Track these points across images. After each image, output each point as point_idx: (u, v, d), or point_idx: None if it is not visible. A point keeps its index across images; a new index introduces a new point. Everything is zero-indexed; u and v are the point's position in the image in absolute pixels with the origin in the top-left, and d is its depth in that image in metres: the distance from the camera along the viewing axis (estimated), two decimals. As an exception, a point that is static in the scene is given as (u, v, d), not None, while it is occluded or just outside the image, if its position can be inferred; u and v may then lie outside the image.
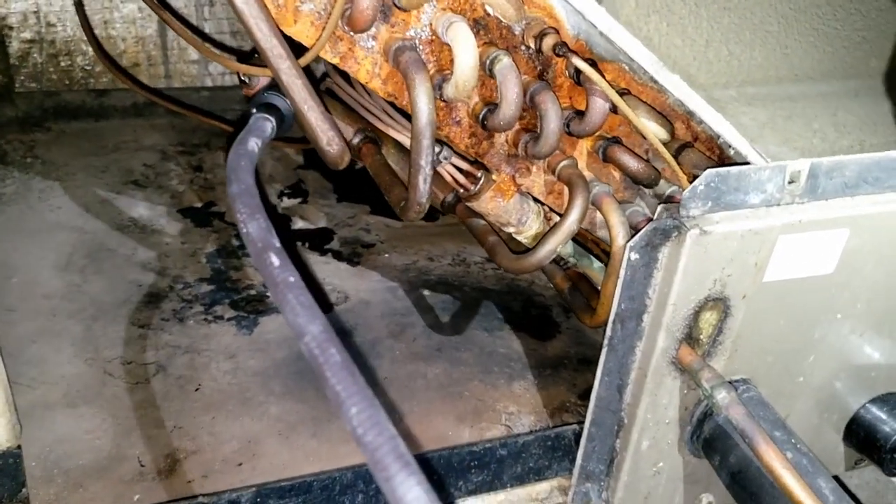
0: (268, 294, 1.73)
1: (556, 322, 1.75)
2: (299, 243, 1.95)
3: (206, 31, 2.40)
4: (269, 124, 0.96)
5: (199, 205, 2.07)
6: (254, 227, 0.75)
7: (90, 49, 2.32)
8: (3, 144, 2.19)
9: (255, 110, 0.98)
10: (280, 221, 2.04)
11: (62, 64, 2.32)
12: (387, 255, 1.94)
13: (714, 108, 1.20)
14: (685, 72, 1.52)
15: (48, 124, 2.32)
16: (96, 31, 2.30)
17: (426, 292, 1.80)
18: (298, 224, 2.04)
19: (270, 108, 0.98)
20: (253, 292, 1.73)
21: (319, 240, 1.97)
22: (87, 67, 2.35)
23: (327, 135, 0.92)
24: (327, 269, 1.85)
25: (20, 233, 1.83)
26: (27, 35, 2.26)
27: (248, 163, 0.85)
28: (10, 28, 2.24)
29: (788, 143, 1.71)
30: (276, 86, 1.01)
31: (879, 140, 1.67)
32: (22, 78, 2.30)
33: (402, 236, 2.04)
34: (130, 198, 2.05)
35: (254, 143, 0.90)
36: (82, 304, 1.63)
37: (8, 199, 1.97)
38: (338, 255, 1.92)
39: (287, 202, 2.14)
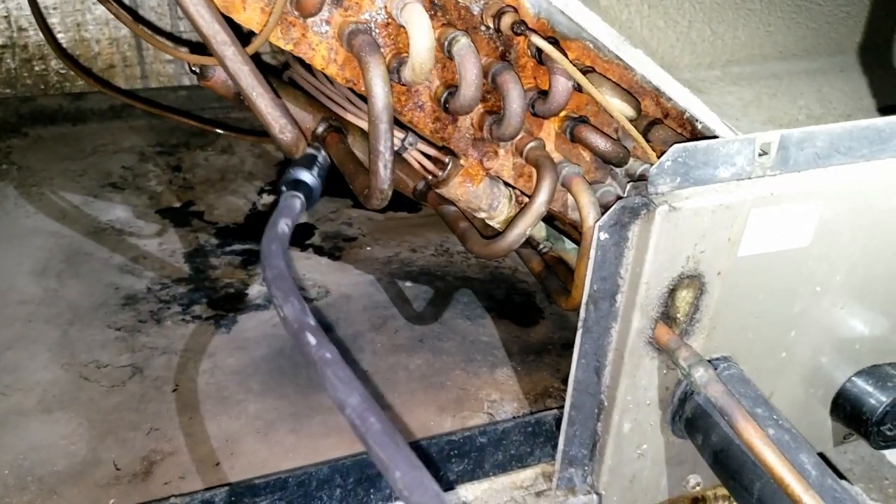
0: (247, 292, 1.72)
1: (540, 308, 1.74)
2: (279, 239, 1.92)
3: (181, 29, 2.38)
4: (298, 201, 1.00)
5: (177, 205, 2.05)
6: (289, 309, 0.82)
7: (64, 53, 2.29)
8: (-22, 152, 2.17)
9: (283, 188, 1.02)
10: (260, 218, 2.02)
11: (36, 68, 2.30)
12: (369, 249, 1.92)
13: (696, 87, 1.19)
14: (669, 54, 1.50)
15: (25, 130, 2.30)
16: (69, 34, 2.27)
17: (408, 284, 1.78)
18: (278, 220, 2.02)
19: (299, 185, 1.02)
20: (231, 290, 1.71)
21: (300, 235, 1.96)
22: (62, 71, 2.33)
23: (279, 122, 0.90)
24: (308, 265, 1.84)
25: (-4, 240, 1.82)
26: (-1, 41, 2.25)
27: (280, 247, 0.92)
28: (-19, 35, 2.22)
29: (774, 120, 1.69)
30: (304, 161, 1.06)
31: (865, 115, 1.65)
32: (-5, 84, 2.28)
33: (385, 229, 2.02)
34: (108, 200, 2.04)
35: (284, 225, 0.95)
36: (59, 309, 1.61)
37: (-17, 207, 1.95)
38: (319, 250, 1.90)
39: (267, 199, 2.12)
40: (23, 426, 1.32)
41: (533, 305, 1.75)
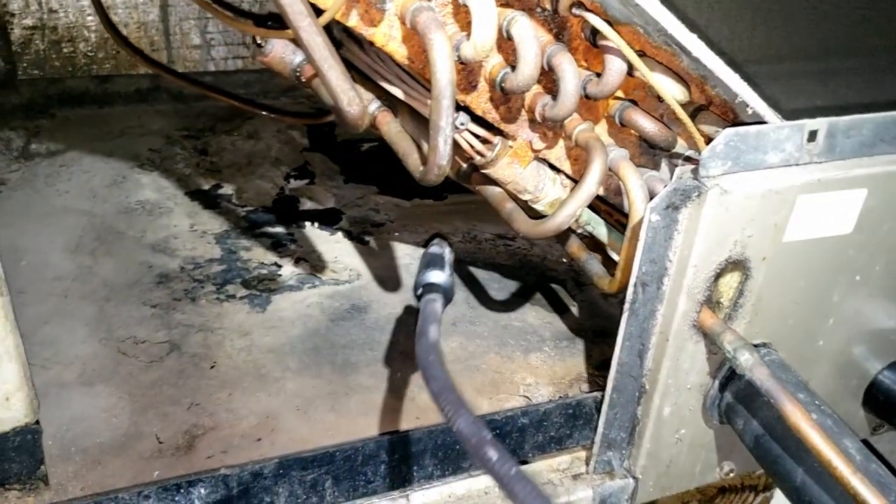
0: (279, 273, 1.72)
1: (570, 295, 1.74)
2: (308, 223, 1.93)
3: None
4: (438, 304, 1.05)
5: (206, 187, 2.06)
6: (463, 422, 0.82)
7: (92, 35, 2.30)
8: (7, 131, 2.17)
9: (419, 292, 1.07)
10: (288, 202, 2.03)
11: (65, 50, 2.31)
12: (397, 234, 1.93)
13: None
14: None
15: (52, 111, 2.30)
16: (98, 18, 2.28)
17: (438, 269, 1.79)
18: (307, 205, 2.03)
19: (433, 287, 1.07)
20: (264, 272, 1.72)
21: (328, 219, 1.96)
22: (90, 53, 2.34)
23: (348, 95, 0.91)
24: (338, 248, 1.84)
25: (28, 217, 1.82)
26: (29, 22, 2.25)
27: (437, 357, 0.93)
28: (12, 15, 2.23)
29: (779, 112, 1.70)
30: (432, 261, 1.12)
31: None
32: (25, 65, 2.28)
33: (412, 215, 2.03)
34: (137, 182, 2.04)
35: (434, 332, 0.98)
36: (94, 286, 1.62)
37: (14, 185, 1.95)
38: (348, 235, 1.91)
39: (294, 183, 2.13)
40: (64, 398, 1.32)
41: (563, 292, 1.76)
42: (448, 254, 1.16)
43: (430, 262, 1.13)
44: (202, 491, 1.09)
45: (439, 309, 1.04)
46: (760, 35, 1.19)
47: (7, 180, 1.97)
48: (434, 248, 1.16)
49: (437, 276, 1.09)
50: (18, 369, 1.04)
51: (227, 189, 2.06)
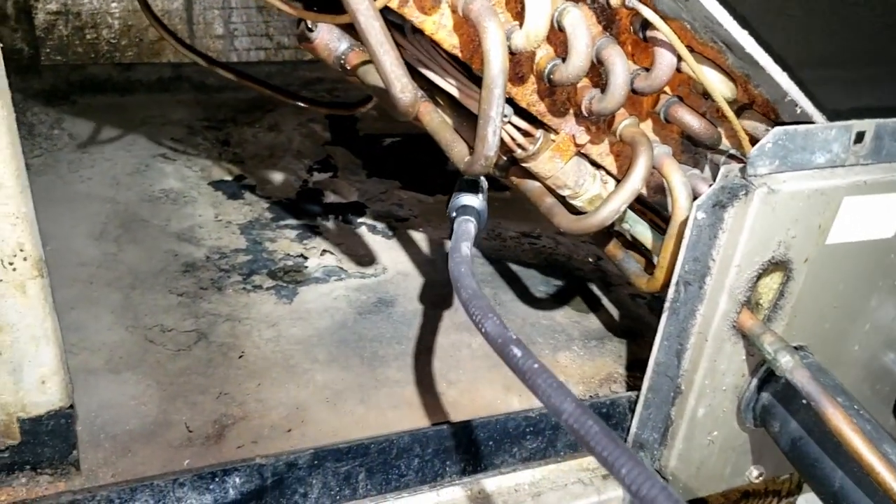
0: (306, 265, 1.71)
1: (597, 295, 1.73)
2: (332, 216, 1.92)
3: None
4: (472, 225, 1.08)
5: (229, 178, 2.05)
6: (490, 325, 0.86)
7: (116, 22, 2.29)
8: (29, 117, 2.16)
9: (454, 214, 1.10)
10: (312, 195, 2.02)
11: (88, 37, 2.30)
12: (421, 229, 1.92)
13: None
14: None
15: (74, 97, 2.29)
16: (122, 4, 2.27)
17: (464, 265, 1.78)
18: (330, 198, 2.02)
19: (468, 209, 1.10)
20: (290, 263, 1.71)
21: (352, 213, 1.95)
22: (113, 41, 2.33)
23: (401, 81, 0.90)
24: (363, 242, 1.83)
25: (52, 202, 1.81)
26: (53, 7, 2.24)
27: (468, 268, 0.97)
28: (37, 0, 2.22)
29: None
30: (468, 186, 1.13)
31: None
32: (48, 50, 2.28)
33: (436, 211, 2.02)
34: (160, 170, 2.03)
35: (466, 248, 1.03)
36: (119, 273, 1.60)
37: (37, 170, 1.94)
38: (372, 229, 1.89)
39: (317, 176, 2.12)
40: (92, 384, 1.31)
41: (590, 292, 1.74)
42: (483, 182, 1.17)
43: (465, 187, 1.14)
44: (237, 480, 1.08)
45: (472, 229, 1.07)
46: (794, 36, 1.18)
47: (30, 166, 1.95)
48: (468, 177, 1.16)
49: (472, 200, 1.11)
50: (56, 353, 1.03)
51: (250, 180, 2.05)
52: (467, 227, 1.08)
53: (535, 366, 0.79)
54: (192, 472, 1.07)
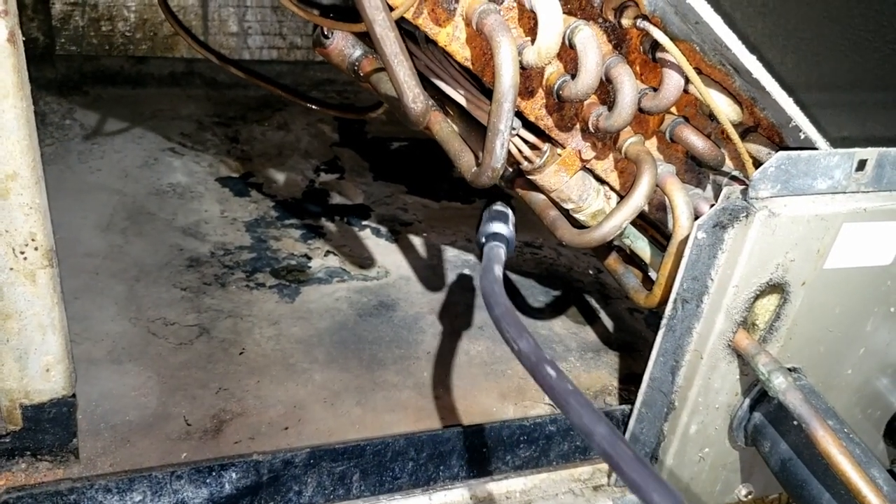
0: (309, 265, 1.73)
1: (595, 308, 1.75)
2: (337, 217, 1.94)
3: None
4: (502, 250, 1.13)
5: (236, 175, 2.07)
6: (524, 344, 0.87)
7: (132, 15, 2.31)
8: (42, 106, 2.18)
9: (483, 240, 1.15)
10: (318, 195, 2.04)
11: (103, 29, 2.32)
12: (425, 235, 1.94)
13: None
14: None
15: (86, 88, 2.32)
16: (138, 0, 2.29)
17: (466, 272, 1.80)
18: (336, 199, 2.04)
19: (498, 236, 1.16)
20: (294, 262, 1.73)
21: (358, 215, 1.97)
22: (128, 34, 2.35)
23: (413, 91, 0.92)
24: (366, 245, 1.85)
25: (61, 192, 1.83)
26: (70, -3, 2.26)
27: (501, 288, 1.00)
28: (54, -11, 2.24)
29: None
30: (497, 216, 1.19)
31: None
32: (63, 41, 2.30)
33: (440, 217, 2.03)
34: (168, 164, 2.05)
35: (498, 269, 1.07)
36: (124, 265, 1.62)
37: (48, 160, 1.95)
38: (376, 232, 1.91)
39: (324, 177, 2.13)
40: (93, 374, 1.33)
41: (588, 304, 1.76)
42: (511, 213, 1.23)
43: (494, 216, 1.19)
44: (233, 475, 1.09)
45: (502, 254, 1.12)
46: (803, 59, 1.20)
47: (41, 155, 1.97)
48: (498, 206, 1.22)
49: (501, 228, 1.16)
50: (61, 342, 1.05)
51: (257, 178, 2.07)
52: (498, 252, 1.12)
53: (569, 387, 0.80)
54: (189, 466, 1.08)
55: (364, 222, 1.95)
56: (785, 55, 1.16)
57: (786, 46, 1.15)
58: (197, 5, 2.37)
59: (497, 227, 1.17)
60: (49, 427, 1.09)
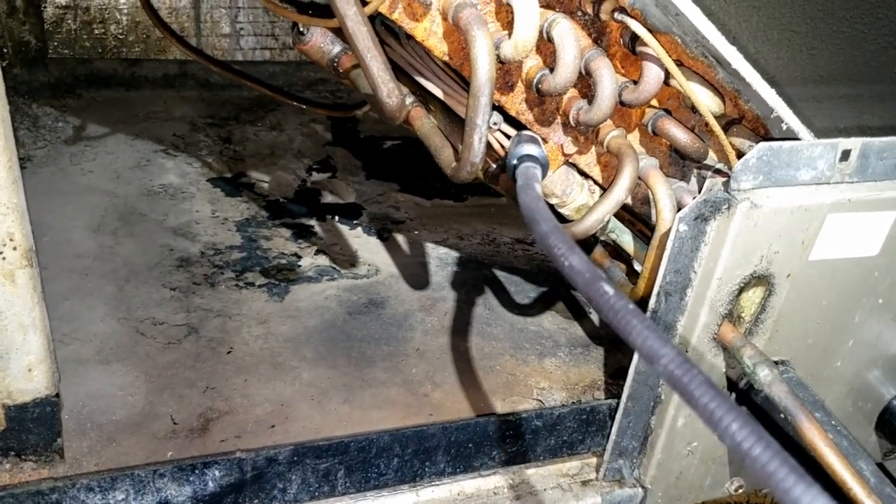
0: (299, 264, 1.73)
1: (584, 303, 1.74)
2: (329, 216, 1.94)
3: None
4: (538, 170, 1.05)
5: (228, 175, 2.07)
6: (576, 259, 0.78)
7: (124, 18, 2.32)
8: (35, 109, 2.19)
9: (516, 161, 1.07)
10: (310, 195, 2.04)
11: (96, 31, 2.32)
12: (416, 233, 1.93)
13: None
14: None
15: (79, 91, 2.32)
16: (130, 1, 2.30)
17: (457, 269, 1.79)
18: (328, 198, 2.04)
19: (531, 157, 1.07)
20: (284, 262, 1.73)
21: (349, 214, 1.97)
22: (120, 36, 2.35)
23: (388, 86, 0.92)
24: (357, 243, 1.85)
25: (52, 194, 1.83)
26: (62, 1, 2.27)
27: (543, 203, 0.92)
28: (46, -7, 2.25)
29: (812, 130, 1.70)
30: (528, 139, 1.11)
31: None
32: (55, 44, 2.30)
33: (432, 215, 2.03)
34: (161, 165, 2.05)
35: (538, 187, 0.99)
36: (114, 265, 1.63)
37: (39, 162, 1.97)
38: (367, 230, 1.91)
39: (316, 176, 2.14)
40: (81, 374, 1.33)
41: (577, 300, 1.76)
42: (540, 141, 1.15)
43: (525, 140, 1.12)
44: (216, 473, 1.09)
45: (539, 174, 1.04)
46: (798, 53, 1.19)
47: (33, 157, 1.98)
48: (527, 132, 1.16)
49: (534, 150, 1.08)
50: (43, 341, 1.05)
51: (250, 178, 2.07)
52: (535, 171, 1.04)
53: (630, 306, 0.70)
54: (172, 464, 1.09)
55: (355, 221, 1.95)
56: (780, 46, 1.16)
57: (780, 40, 1.15)
58: (189, 7, 2.38)
59: (529, 148, 1.08)
60: (33, 427, 1.09)
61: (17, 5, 2.17)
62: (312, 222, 1.90)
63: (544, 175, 1.06)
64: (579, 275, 0.77)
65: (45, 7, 2.25)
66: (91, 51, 2.34)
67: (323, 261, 1.75)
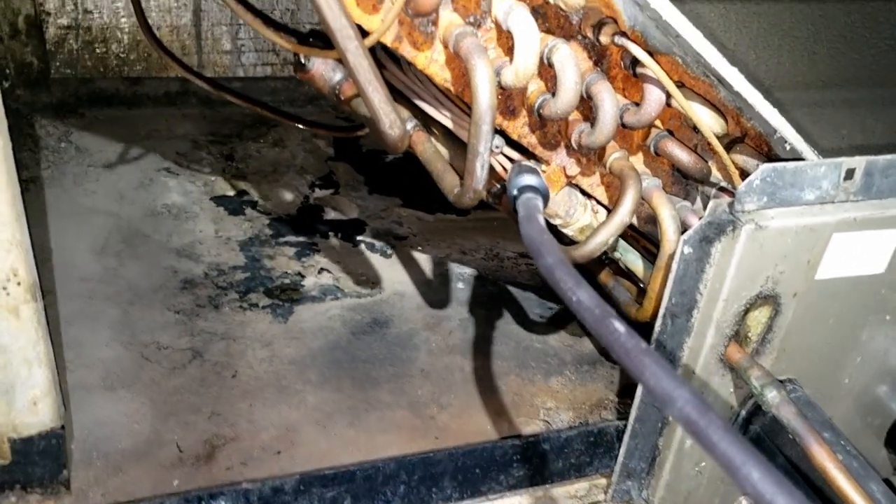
0: (302, 283, 1.73)
1: (592, 319, 1.74)
2: (332, 233, 1.94)
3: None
4: (539, 201, 1.04)
5: (231, 193, 2.07)
6: (584, 295, 0.76)
7: (125, 37, 2.32)
8: (38, 129, 2.19)
9: (516, 192, 1.06)
10: (312, 212, 2.04)
11: (97, 51, 2.32)
12: (420, 248, 1.93)
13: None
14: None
15: (82, 111, 2.32)
16: (132, 20, 2.30)
17: (461, 286, 1.79)
18: (331, 214, 2.03)
19: (531, 189, 1.06)
20: (287, 281, 1.72)
21: (352, 230, 1.97)
22: (122, 55, 2.36)
23: (389, 118, 0.91)
24: (361, 260, 1.85)
25: (56, 216, 1.83)
26: (64, 21, 2.27)
27: (549, 235, 0.91)
28: (48, 13, 2.25)
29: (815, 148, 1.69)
30: (527, 169, 1.10)
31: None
32: (57, 64, 2.31)
33: (435, 230, 2.03)
34: (164, 185, 2.05)
35: (541, 218, 0.98)
36: (119, 288, 1.63)
37: (43, 183, 1.97)
38: (370, 247, 1.91)
39: (319, 193, 2.13)
40: (87, 402, 1.33)
41: (585, 316, 1.75)
42: (539, 170, 1.14)
43: (522, 171, 1.10)
44: (223, 504, 1.09)
45: (540, 204, 1.03)
46: (801, 71, 1.19)
47: (36, 178, 1.98)
48: (525, 162, 1.15)
49: (533, 180, 1.07)
50: (47, 375, 1.05)
51: (252, 196, 2.07)
52: (536, 203, 1.02)
53: (642, 346, 0.69)
54: (179, 495, 1.08)
55: (358, 237, 1.95)
56: (782, 52, 1.15)
57: (781, 45, 1.15)
58: (190, 24, 2.38)
59: (529, 179, 1.06)
60: (38, 460, 1.09)
61: (20, 27, 2.18)
62: (315, 240, 1.90)
63: (545, 204, 1.05)
64: (588, 311, 0.75)
65: (47, 28, 2.26)
66: (93, 70, 2.34)
67: (326, 279, 1.75)
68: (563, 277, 0.79)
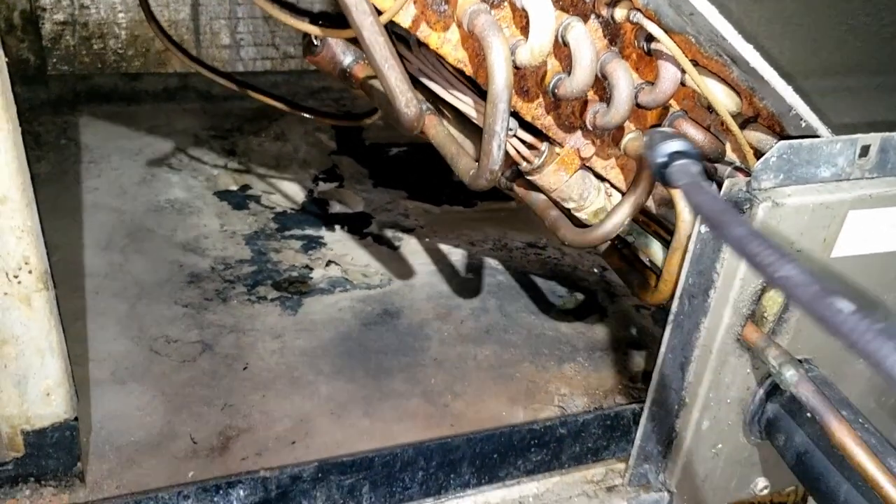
0: (310, 276, 1.71)
1: (602, 306, 1.73)
2: (338, 226, 1.93)
3: None
4: (699, 166, 0.91)
5: (234, 188, 2.05)
6: (793, 270, 0.65)
7: (123, 32, 2.31)
8: (36, 126, 2.17)
9: (664, 159, 0.92)
10: (317, 205, 2.02)
11: (95, 47, 2.31)
12: (427, 240, 1.92)
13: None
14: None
15: (80, 107, 2.31)
16: (130, 14, 2.28)
17: (470, 276, 1.78)
18: (336, 208, 2.02)
19: (682, 154, 0.93)
20: (295, 274, 1.71)
21: (358, 223, 1.95)
22: (120, 51, 2.34)
23: (406, 96, 0.90)
24: (368, 253, 1.83)
25: (58, 212, 1.82)
26: (60, 17, 2.25)
27: (729, 205, 0.80)
28: (44, 9, 2.23)
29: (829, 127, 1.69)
30: (666, 135, 0.96)
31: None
32: (54, 60, 2.29)
33: (442, 221, 2.02)
34: (166, 180, 2.04)
35: (709, 185, 0.85)
36: (125, 283, 1.61)
37: (43, 180, 1.95)
38: (378, 239, 1.90)
39: (323, 186, 2.12)
40: (98, 395, 1.31)
41: (595, 303, 1.74)
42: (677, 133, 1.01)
43: (665, 137, 0.95)
44: (241, 492, 1.08)
45: (701, 169, 0.89)
46: (815, 48, 1.18)
47: (36, 175, 1.95)
48: (661, 129, 1.02)
49: (682, 145, 0.92)
50: (61, 365, 1.04)
51: (256, 190, 2.06)
52: (696, 168, 0.89)
53: (876, 327, 0.57)
54: (196, 485, 1.07)
55: (365, 230, 1.93)
56: (783, 42, 1.15)
57: (783, 33, 1.14)
58: (188, 19, 2.36)
59: (676, 144, 0.92)
60: (52, 452, 1.08)
61: (15, 22, 2.16)
62: (322, 233, 1.89)
63: (701, 163, 0.92)
64: (800, 288, 0.64)
65: (43, 24, 2.24)
66: (91, 66, 2.33)
67: (335, 272, 1.74)
68: (758, 250, 0.67)
